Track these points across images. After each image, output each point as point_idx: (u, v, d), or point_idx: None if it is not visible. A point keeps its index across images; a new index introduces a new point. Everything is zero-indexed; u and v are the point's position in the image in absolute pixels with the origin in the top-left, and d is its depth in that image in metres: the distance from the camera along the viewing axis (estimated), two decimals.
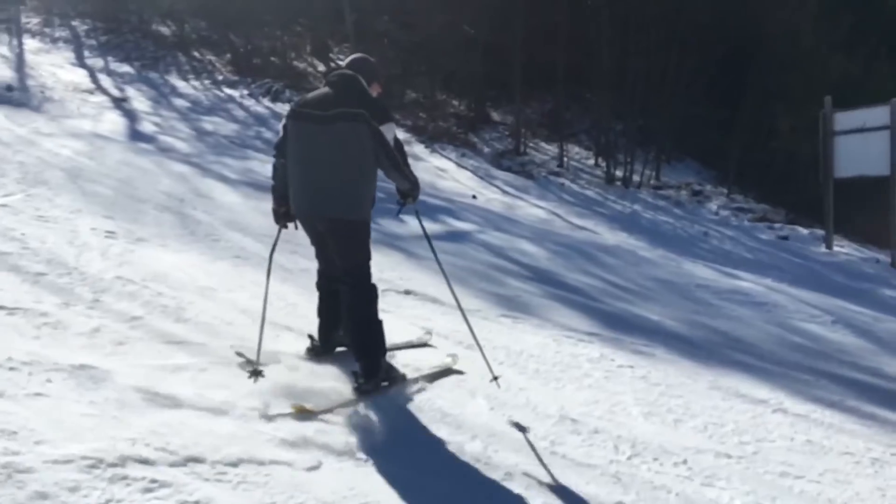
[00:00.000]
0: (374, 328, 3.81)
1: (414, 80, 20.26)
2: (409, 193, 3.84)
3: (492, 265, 6.86)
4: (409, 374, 4.02)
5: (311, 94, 3.83)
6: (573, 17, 17.01)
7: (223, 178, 7.78)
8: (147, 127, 11.53)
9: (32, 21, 19.12)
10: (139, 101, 13.86)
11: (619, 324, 5.67)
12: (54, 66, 15.00)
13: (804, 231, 13.82)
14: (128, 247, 4.88)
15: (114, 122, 11.28)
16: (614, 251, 9.21)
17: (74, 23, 19.56)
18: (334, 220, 3.71)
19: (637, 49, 15.67)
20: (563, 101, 17.85)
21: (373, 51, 20.32)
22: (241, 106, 16.16)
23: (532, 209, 12.98)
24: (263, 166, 10.56)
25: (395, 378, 3.91)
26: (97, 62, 16.84)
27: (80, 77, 14.52)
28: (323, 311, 4.09)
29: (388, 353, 3.95)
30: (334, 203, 3.67)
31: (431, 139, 16.98)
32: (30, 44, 17.18)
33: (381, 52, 21.21)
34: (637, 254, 9.44)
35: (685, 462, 3.36)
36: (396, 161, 3.71)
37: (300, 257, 5.72)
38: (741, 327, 7.01)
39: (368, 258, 3.85)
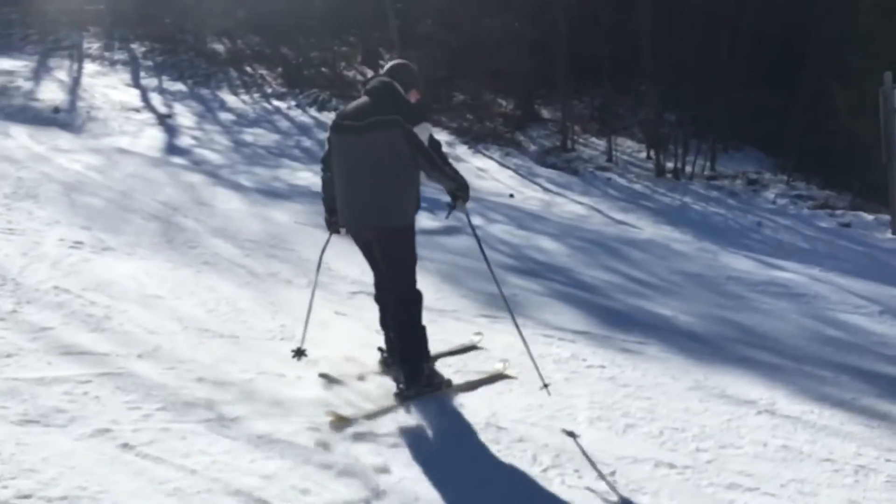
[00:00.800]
0: (418, 334, 3.82)
1: (461, 81, 20.12)
2: (456, 194, 3.70)
3: (498, 263, 6.61)
4: (456, 380, 3.98)
5: (350, 105, 3.86)
6: (617, 7, 16.53)
7: (236, 187, 7.83)
8: (185, 141, 11.81)
9: (94, 46, 19.97)
10: (184, 116, 14.23)
11: (618, 320, 5.35)
12: (108, 88, 15.60)
13: (869, 217, 12.95)
14: (88, 256, 4.91)
15: (153, 137, 11.60)
16: (644, 245, 8.81)
17: (133, 45, 20.32)
18: (377, 229, 3.74)
19: (684, 36, 15.07)
20: (612, 95, 17.35)
21: (418, 55, 20.41)
22: (286, 117, 16.40)
23: (572, 206, 12.64)
24: (293, 174, 10.67)
25: (439, 384, 3.87)
26: (151, 82, 17.43)
27: (131, 97, 15.03)
28: (385, 323, 4.06)
29: (437, 359, 3.98)
30: (375, 212, 3.70)
31: (476, 140, 16.80)
32: (89, 68, 17.94)
33: (427, 55, 21.26)
34: (670, 247, 9.01)
35: (613, 473, 3.05)
36: (433, 160, 3.62)
37: (277, 262, 5.65)
38: (768, 321, 6.54)
39: (412, 264, 3.82)
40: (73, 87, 14.51)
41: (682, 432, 3.49)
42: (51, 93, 13.79)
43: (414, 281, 3.82)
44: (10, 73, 14.66)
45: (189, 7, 21.86)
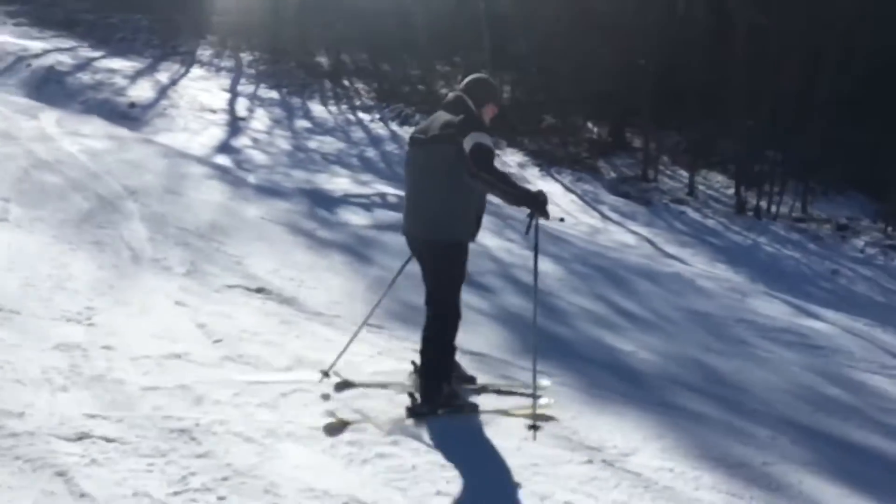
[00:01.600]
0: (442, 353, 3.80)
1: (553, 104, 19.76)
2: (524, 206, 3.58)
3: (472, 275, 6.30)
4: (484, 406, 3.87)
5: (426, 120, 3.95)
6: (711, 38, 15.70)
7: (234, 181, 7.88)
8: (242, 142, 12.21)
9: (206, 53, 21.21)
10: (260, 120, 14.76)
11: (545, 351, 4.86)
12: (201, 90, 16.47)
13: None
14: None
15: (212, 136, 12.08)
16: (663, 279, 8.15)
17: (243, 54, 21.39)
18: (425, 242, 3.79)
19: (777, 68, 14.05)
20: (711, 128, 16.41)
21: (513, 77, 20.23)
22: (364, 128, 16.66)
23: (624, 235, 12.01)
24: (330, 179, 10.75)
25: (460, 407, 3.80)
26: (247, 88, 18.26)
27: (219, 100, 15.78)
28: None
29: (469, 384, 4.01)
30: (423, 224, 3.77)
31: (550, 163, 16.38)
32: (194, 72, 19.04)
33: (522, 79, 21.06)
34: (694, 283, 8.28)
35: None
36: (474, 171, 3.50)
37: (181, 250, 5.50)
38: (756, 370, 5.82)
39: (451, 282, 3.78)
40: (166, 88, 15.39)
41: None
42: (141, 91, 14.70)
43: (451, 300, 3.77)
44: (113, 71, 15.78)
45: (303, 22, 22.91)
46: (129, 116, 12.38)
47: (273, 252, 6.18)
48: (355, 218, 7.61)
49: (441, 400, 3.72)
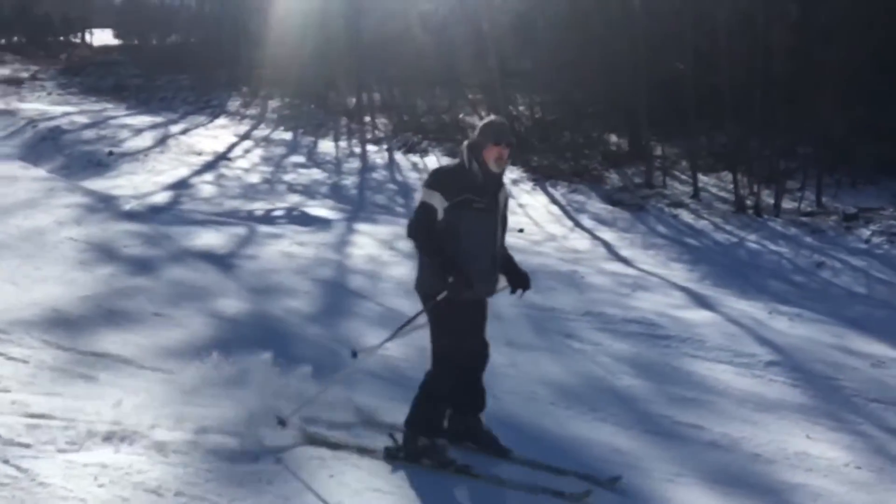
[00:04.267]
0: (426, 403, 3.65)
1: (572, 119, 19.14)
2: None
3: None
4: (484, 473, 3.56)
5: None
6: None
7: (94, 209, 8.08)
8: (204, 179, 12.54)
9: (236, 104, 22.18)
10: (249, 159, 15.13)
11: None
12: (209, 137, 17.19)
13: None
14: None
15: (173, 175, 12.51)
16: (552, 277, 7.54)
17: (272, 101, 22.17)
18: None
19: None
20: (696, 128, 15.30)
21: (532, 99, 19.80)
22: (363, 159, 16.68)
23: (585, 241, 11.28)
24: (265, 204, 10.79)
25: (443, 462, 3.59)
26: (263, 132, 18.85)
27: (220, 145, 16.32)
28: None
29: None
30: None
31: (548, 177, 15.78)
32: (219, 122, 19.93)
33: (546, 98, 20.49)
34: (584, 280, 7.65)
35: None
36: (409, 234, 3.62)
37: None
38: (540, 363, 5.19)
39: (441, 338, 3.59)
40: (168, 138, 16.14)
41: None
42: (141, 142, 15.50)
43: (439, 353, 3.59)
44: (125, 126, 16.77)
45: (338, 66, 23.35)
46: (101, 163, 13.03)
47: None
48: (206, 238, 7.53)
49: (417, 451, 3.58)
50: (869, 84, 14.15)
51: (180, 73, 24.85)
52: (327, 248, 7.80)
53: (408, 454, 3.59)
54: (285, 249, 7.47)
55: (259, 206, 10.49)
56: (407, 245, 8.69)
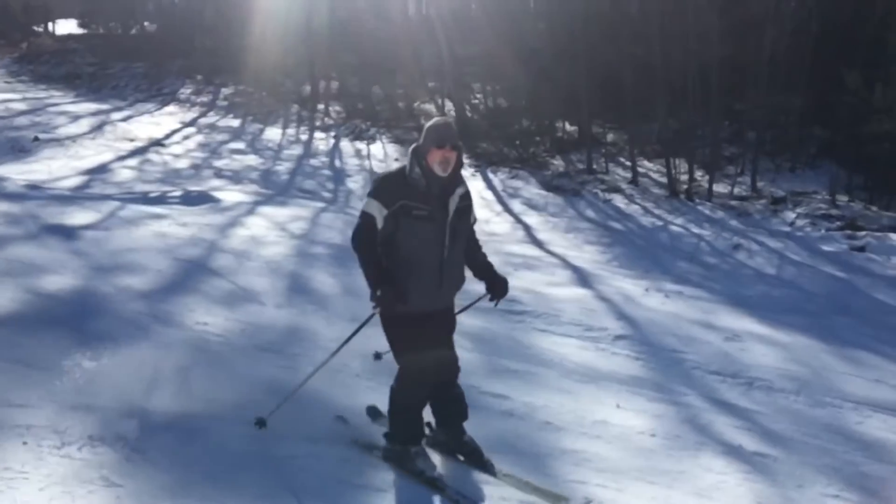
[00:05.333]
0: (394, 410, 3.62)
1: (525, 107, 18.99)
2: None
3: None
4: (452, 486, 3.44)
5: None
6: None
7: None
8: (127, 164, 12.35)
9: (187, 92, 21.88)
10: (185, 145, 14.92)
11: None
12: (150, 124, 16.94)
13: None
14: None
15: (93, 160, 12.26)
16: None
17: (225, 89, 21.88)
18: None
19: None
20: (632, 114, 15.16)
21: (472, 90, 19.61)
22: (305, 146, 16.48)
23: (506, 224, 11.17)
24: (170, 187, 10.59)
25: (418, 472, 3.51)
26: (208, 119, 18.60)
27: (158, 131, 16.07)
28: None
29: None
30: None
31: (490, 164, 15.63)
32: (167, 109, 19.67)
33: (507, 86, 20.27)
34: None
35: None
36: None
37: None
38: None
39: (394, 345, 3.52)
40: (105, 125, 15.89)
41: None
42: (77, 128, 15.24)
43: (399, 360, 3.52)
44: (64, 113, 16.51)
45: (294, 54, 23.07)
46: (23, 149, 12.79)
47: None
48: (78, 217, 7.33)
49: (393, 455, 3.58)
50: (813, 69, 14.11)
51: (136, 62, 24.52)
52: (210, 230, 7.62)
53: (388, 455, 3.59)
54: (162, 230, 7.29)
55: (165, 189, 10.29)
56: (298, 225, 8.57)
